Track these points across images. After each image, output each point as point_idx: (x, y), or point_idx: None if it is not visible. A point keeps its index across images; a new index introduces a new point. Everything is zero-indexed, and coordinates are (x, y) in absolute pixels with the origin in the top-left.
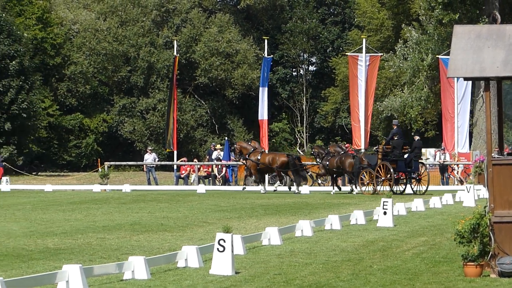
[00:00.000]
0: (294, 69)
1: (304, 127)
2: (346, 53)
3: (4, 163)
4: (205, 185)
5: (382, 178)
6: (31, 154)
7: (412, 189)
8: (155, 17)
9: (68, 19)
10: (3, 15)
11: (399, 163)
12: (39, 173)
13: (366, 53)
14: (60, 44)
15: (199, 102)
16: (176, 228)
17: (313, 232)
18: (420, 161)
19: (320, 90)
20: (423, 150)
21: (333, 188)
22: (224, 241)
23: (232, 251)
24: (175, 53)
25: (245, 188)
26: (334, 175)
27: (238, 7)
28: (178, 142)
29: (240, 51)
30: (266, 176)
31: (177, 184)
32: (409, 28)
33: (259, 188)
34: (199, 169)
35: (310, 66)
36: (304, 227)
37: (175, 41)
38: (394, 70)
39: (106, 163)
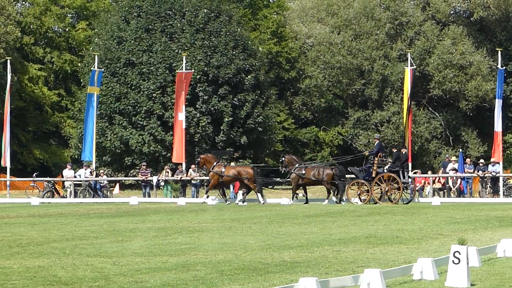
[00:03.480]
0: None
1: None
2: None
3: None
4: (439, 197)
5: (386, 188)
6: (267, 167)
7: (389, 198)
8: (389, 30)
9: (302, 33)
10: (238, 29)
11: (399, 174)
12: (275, 187)
13: None
14: (295, 58)
15: (433, 114)
16: (411, 240)
17: None
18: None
19: None
20: None
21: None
22: (459, 253)
23: (467, 263)
24: (408, 66)
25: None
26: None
27: (471, 19)
28: (412, 154)
29: (474, 63)
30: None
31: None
32: None
33: (206, 199)
34: (433, 181)
35: None
36: None
37: (408, 54)
38: None
39: None
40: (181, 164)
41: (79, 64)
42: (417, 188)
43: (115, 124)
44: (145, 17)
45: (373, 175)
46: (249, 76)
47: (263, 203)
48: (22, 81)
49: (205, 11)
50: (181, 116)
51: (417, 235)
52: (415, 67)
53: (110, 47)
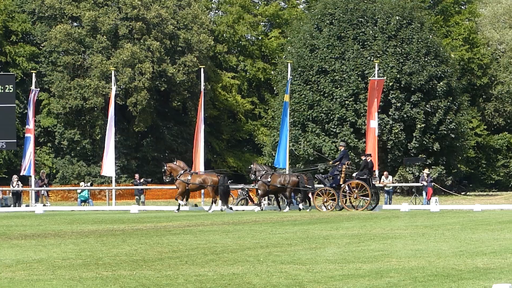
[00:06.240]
0: None
1: None
2: None
3: (433, 183)
4: None
5: (355, 196)
6: (459, 174)
7: (352, 205)
8: None
9: (494, 39)
10: (430, 36)
11: (368, 181)
12: (468, 193)
13: None
14: (487, 64)
15: None
16: None
17: None
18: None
19: None
20: None
21: (279, 207)
22: None
23: None
24: None
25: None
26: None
27: None
28: None
29: None
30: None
31: None
32: None
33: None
34: None
35: None
36: None
37: None
38: None
39: None
40: (374, 171)
41: (272, 72)
42: None
43: (308, 132)
44: (338, 24)
45: (341, 183)
46: (441, 83)
47: (211, 212)
48: (216, 90)
49: (397, 18)
50: (374, 123)
51: None
52: None
53: (302, 55)
